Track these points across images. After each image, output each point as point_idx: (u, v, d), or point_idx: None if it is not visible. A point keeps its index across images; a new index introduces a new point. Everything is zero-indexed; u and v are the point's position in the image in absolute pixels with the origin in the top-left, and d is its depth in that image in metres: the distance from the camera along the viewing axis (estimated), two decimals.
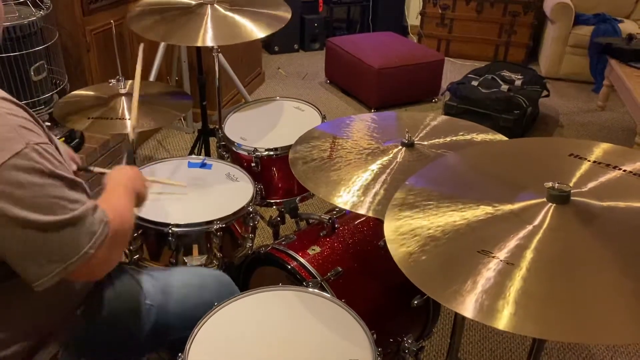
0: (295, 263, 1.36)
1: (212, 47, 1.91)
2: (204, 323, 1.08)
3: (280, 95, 2.08)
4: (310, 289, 1.21)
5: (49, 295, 0.97)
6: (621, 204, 0.93)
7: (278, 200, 1.81)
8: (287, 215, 1.80)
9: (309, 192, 1.81)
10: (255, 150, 1.72)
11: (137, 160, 1.76)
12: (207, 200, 1.51)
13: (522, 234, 0.89)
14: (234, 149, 1.78)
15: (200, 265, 1.45)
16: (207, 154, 2.43)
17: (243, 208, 1.47)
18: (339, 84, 4.05)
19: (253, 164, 1.72)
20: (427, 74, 3.77)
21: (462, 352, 1.89)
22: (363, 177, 1.29)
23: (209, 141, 2.45)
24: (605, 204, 0.93)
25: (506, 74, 3.54)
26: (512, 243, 0.87)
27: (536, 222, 0.91)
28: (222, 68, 2.74)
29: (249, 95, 3.33)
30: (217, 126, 1.96)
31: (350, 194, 1.24)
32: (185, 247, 1.43)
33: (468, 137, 1.45)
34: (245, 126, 1.88)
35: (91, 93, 1.78)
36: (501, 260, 0.84)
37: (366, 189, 1.25)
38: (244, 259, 1.52)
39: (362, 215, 1.57)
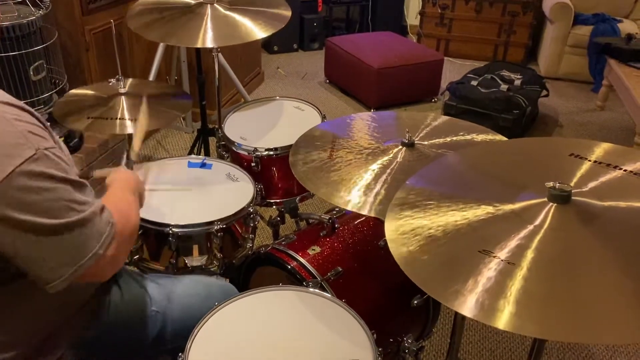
0: (295, 263, 1.36)
1: (212, 47, 1.91)
2: (204, 323, 1.08)
3: (280, 95, 2.08)
4: (311, 289, 1.20)
5: (51, 298, 0.97)
6: (622, 203, 0.93)
7: (278, 200, 1.81)
8: (287, 215, 1.80)
9: (308, 192, 1.81)
10: (255, 150, 1.72)
11: (137, 162, 1.75)
12: (207, 200, 1.51)
13: (523, 233, 0.89)
14: (233, 148, 1.77)
15: (201, 265, 1.45)
16: (207, 154, 2.43)
17: (244, 208, 1.47)
18: (338, 84, 4.05)
19: (253, 164, 1.71)
20: (427, 74, 3.77)
21: (462, 352, 1.89)
22: (364, 177, 1.29)
23: (209, 141, 2.45)
24: (606, 203, 0.93)
25: (505, 73, 3.54)
26: (513, 243, 0.87)
27: (537, 222, 0.91)
28: (221, 68, 2.74)
29: (248, 95, 3.33)
30: (216, 126, 1.96)
31: (350, 194, 1.24)
32: (186, 247, 1.42)
33: (468, 137, 1.45)
34: (245, 126, 1.87)
35: (90, 92, 1.77)
36: (502, 260, 0.84)
37: (367, 188, 1.25)
38: (244, 259, 1.52)
39: (362, 215, 1.57)
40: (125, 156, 1.38)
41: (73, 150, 2.31)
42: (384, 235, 0.96)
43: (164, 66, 3.04)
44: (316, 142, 1.47)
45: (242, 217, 1.47)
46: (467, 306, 0.79)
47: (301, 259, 1.37)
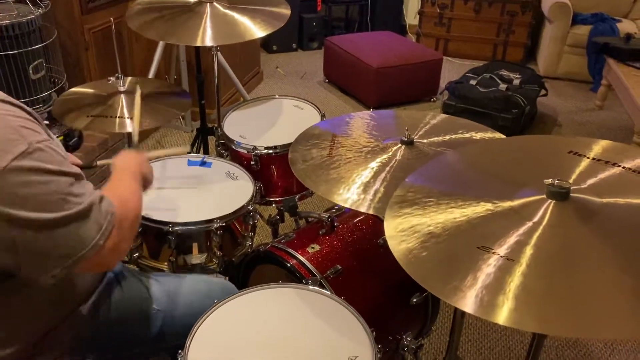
0: (294, 261, 1.37)
1: (211, 46, 1.91)
2: (204, 320, 1.08)
3: (279, 94, 2.08)
4: (310, 287, 1.21)
5: (49, 294, 0.97)
6: (620, 200, 0.94)
7: (277, 199, 1.81)
8: (286, 214, 1.81)
9: (308, 190, 1.81)
10: (255, 148, 1.72)
11: None
12: (207, 198, 1.51)
13: (522, 230, 0.89)
14: (233, 147, 1.78)
15: (200, 263, 1.45)
16: (206, 153, 2.42)
17: (243, 207, 1.47)
18: (338, 83, 4.05)
19: (252, 162, 1.72)
20: (426, 73, 3.78)
21: (461, 350, 1.90)
22: (363, 175, 1.29)
23: (208, 140, 2.45)
24: (604, 200, 0.93)
25: (504, 73, 3.54)
26: (512, 239, 0.88)
27: (536, 219, 0.91)
28: (220, 67, 2.74)
29: (247, 94, 3.33)
30: (215, 125, 1.96)
31: (350, 192, 1.24)
32: (185, 245, 1.43)
33: (467, 135, 1.46)
34: (245, 124, 1.88)
35: (90, 91, 1.77)
36: (501, 256, 0.85)
37: (366, 186, 1.25)
38: (243, 257, 1.52)
39: (361, 214, 1.57)
40: (127, 142, 1.38)
41: (73, 149, 2.31)
42: (383, 234, 0.97)
43: (163, 65, 3.04)
44: (315, 140, 1.47)
45: (242, 215, 1.48)
46: (467, 302, 0.80)
47: (300, 257, 1.37)
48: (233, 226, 1.49)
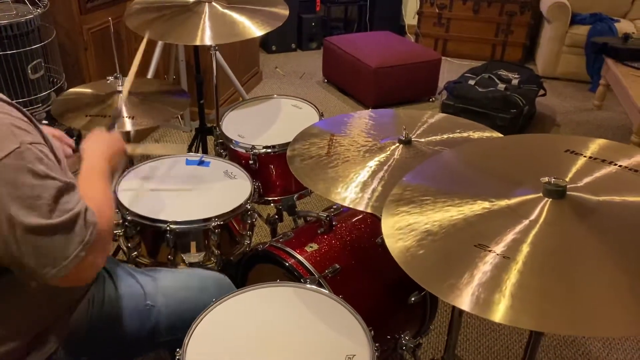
0: (293, 260, 1.37)
1: (210, 45, 1.92)
2: (202, 318, 1.09)
3: (278, 94, 2.08)
4: (308, 285, 1.21)
5: (44, 292, 0.97)
6: (616, 198, 0.94)
7: (276, 198, 1.81)
8: (284, 213, 1.81)
9: (306, 189, 1.82)
10: (253, 147, 1.72)
11: (135, 159, 1.76)
12: (205, 197, 1.51)
13: (518, 228, 0.90)
14: (231, 146, 1.78)
15: (198, 262, 1.46)
16: (205, 152, 2.43)
17: (241, 205, 1.47)
18: (337, 83, 4.05)
19: (251, 162, 1.72)
20: (424, 74, 3.78)
21: (460, 349, 1.90)
22: (361, 174, 1.30)
23: (207, 139, 2.45)
24: (600, 198, 0.94)
25: (503, 73, 3.55)
26: (509, 237, 0.88)
27: (532, 217, 0.91)
28: (219, 67, 2.74)
29: (246, 94, 3.33)
30: (214, 125, 1.96)
31: (348, 191, 1.25)
32: (183, 244, 1.43)
33: (465, 134, 1.46)
34: (243, 124, 1.88)
35: (89, 90, 1.78)
36: (498, 254, 0.85)
37: (364, 185, 1.26)
38: (241, 256, 1.52)
39: (360, 213, 1.57)
40: (113, 120, 1.36)
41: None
42: (381, 233, 0.97)
43: (162, 65, 3.04)
44: (314, 139, 1.47)
45: (240, 214, 1.48)
46: (463, 300, 0.80)
47: (299, 256, 1.38)
48: (231, 225, 1.49)
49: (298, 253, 1.39)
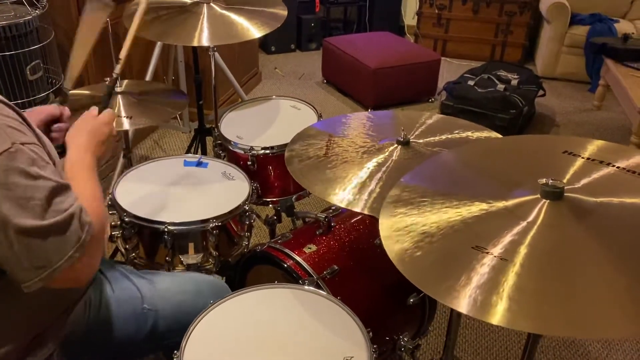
0: (291, 261, 1.37)
1: (209, 46, 1.91)
2: (199, 320, 1.08)
3: (277, 95, 2.08)
4: (307, 287, 1.21)
5: (42, 294, 0.97)
6: (614, 200, 0.94)
7: (274, 199, 1.81)
8: (283, 214, 1.81)
9: (305, 190, 1.81)
10: (252, 148, 1.72)
11: (134, 161, 1.75)
12: (203, 198, 1.51)
13: (516, 230, 0.89)
14: (230, 147, 1.78)
15: (196, 263, 1.45)
16: (204, 154, 2.43)
17: (239, 206, 1.47)
18: (336, 84, 4.05)
19: (249, 163, 1.72)
20: (424, 74, 3.78)
21: (458, 350, 1.90)
22: (359, 175, 1.29)
23: (205, 140, 2.45)
24: (598, 200, 0.94)
25: (502, 73, 3.55)
26: (506, 239, 0.88)
27: (530, 218, 0.91)
28: (218, 67, 2.74)
29: (245, 95, 3.33)
30: (213, 125, 1.96)
31: (346, 192, 1.24)
32: (181, 245, 1.43)
33: (463, 135, 1.46)
34: (242, 125, 1.88)
35: (87, 92, 1.78)
36: (495, 256, 0.85)
37: (362, 186, 1.25)
38: (240, 257, 1.52)
39: (358, 214, 1.57)
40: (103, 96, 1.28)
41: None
42: (380, 234, 0.97)
43: (160, 66, 3.04)
44: (312, 140, 1.47)
45: (238, 215, 1.48)
46: (460, 302, 0.80)
47: (297, 258, 1.37)
48: (229, 226, 1.49)
49: (296, 254, 1.38)
